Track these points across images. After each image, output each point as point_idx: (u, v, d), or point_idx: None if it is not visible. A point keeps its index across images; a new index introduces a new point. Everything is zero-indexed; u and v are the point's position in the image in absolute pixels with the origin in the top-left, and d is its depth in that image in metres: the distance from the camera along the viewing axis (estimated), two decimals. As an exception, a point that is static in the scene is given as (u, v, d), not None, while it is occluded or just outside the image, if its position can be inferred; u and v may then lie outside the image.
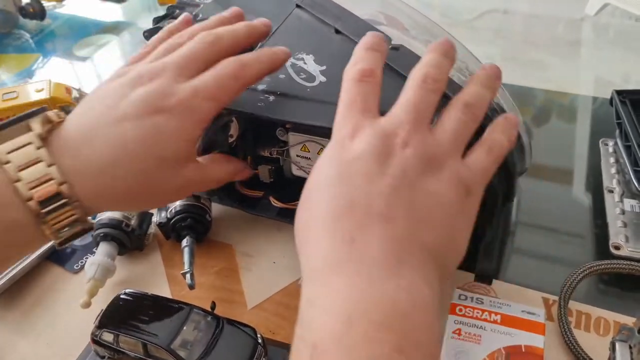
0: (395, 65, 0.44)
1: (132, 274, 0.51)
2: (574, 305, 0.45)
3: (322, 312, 0.26)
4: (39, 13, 0.95)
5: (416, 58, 0.45)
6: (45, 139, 0.35)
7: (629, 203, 0.52)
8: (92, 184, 0.36)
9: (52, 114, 0.36)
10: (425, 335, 0.26)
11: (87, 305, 0.46)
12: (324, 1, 0.52)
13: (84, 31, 0.96)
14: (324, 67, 0.46)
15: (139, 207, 0.48)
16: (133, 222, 0.51)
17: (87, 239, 0.54)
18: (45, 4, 0.96)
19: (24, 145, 0.34)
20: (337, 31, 0.49)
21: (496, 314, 0.39)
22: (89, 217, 0.36)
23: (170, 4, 0.60)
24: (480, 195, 0.34)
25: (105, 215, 0.51)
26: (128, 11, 1.03)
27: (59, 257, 0.53)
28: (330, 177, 0.31)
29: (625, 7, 0.81)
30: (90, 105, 0.38)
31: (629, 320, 0.44)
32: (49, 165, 0.34)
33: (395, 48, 0.45)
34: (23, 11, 0.94)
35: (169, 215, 0.52)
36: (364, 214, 0.29)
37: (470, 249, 0.44)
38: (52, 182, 0.34)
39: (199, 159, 0.42)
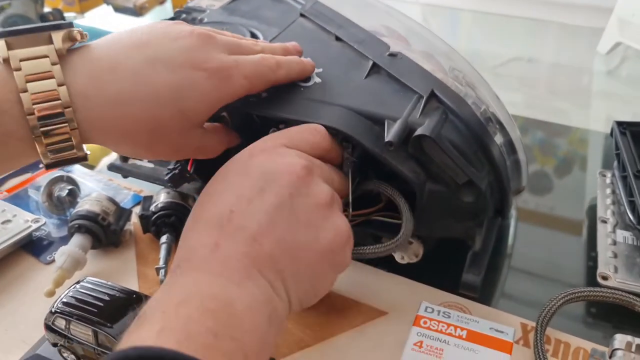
0: (392, 71, 0.44)
1: (103, 268, 0.50)
2: (554, 333, 0.43)
3: (163, 290, 0.29)
4: (59, 22, 0.97)
5: (413, 65, 0.45)
6: (62, 56, 0.34)
7: (621, 234, 0.49)
8: (99, 112, 0.34)
9: (76, 32, 0.35)
10: (247, 336, 0.28)
11: (51, 294, 0.45)
12: (328, 12, 0.52)
13: (101, 42, 0.99)
14: (320, 70, 0.46)
15: (130, 152, 0.44)
16: (110, 217, 0.51)
17: (64, 231, 0.54)
18: (66, 14, 0.99)
19: (39, 57, 0.33)
20: (337, 38, 0.49)
21: (462, 329, 0.36)
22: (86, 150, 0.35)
23: (177, 9, 0.60)
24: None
25: (83, 208, 0.50)
26: (147, 25, 1.06)
27: (34, 247, 0.52)
28: (225, 182, 0.34)
29: (638, 46, 0.80)
30: (122, 37, 0.37)
31: (610, 353, 0.41)
32: (60, 85, 0.33)
33: (393, 55, 0.45)
34: (44, 19, 0.96)
35: (153, 209, 0.51)
36: (237, 229, 0.31)
37: (449, 266, 0.41)
38: (57, 102, 0.32)
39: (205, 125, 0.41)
